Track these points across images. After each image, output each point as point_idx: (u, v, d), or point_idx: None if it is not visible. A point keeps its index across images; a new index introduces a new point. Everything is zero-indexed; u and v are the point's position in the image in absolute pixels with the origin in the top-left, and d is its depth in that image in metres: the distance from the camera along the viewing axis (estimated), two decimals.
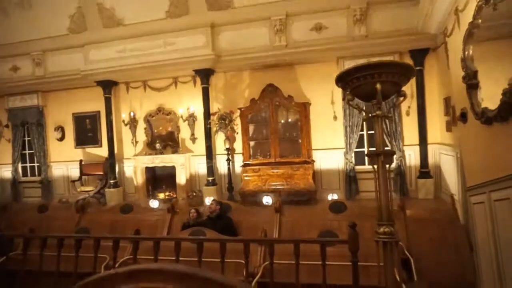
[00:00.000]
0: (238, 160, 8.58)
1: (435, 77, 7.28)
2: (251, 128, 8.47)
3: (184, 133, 9.11)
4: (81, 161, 9.75)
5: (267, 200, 7.09)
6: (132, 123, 9.38)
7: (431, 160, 7.47)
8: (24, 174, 10.63)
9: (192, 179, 9.05)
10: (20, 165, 10.55)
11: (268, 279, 3.20)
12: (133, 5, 8.29)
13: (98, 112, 9.73)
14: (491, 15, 3.49)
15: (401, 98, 3.02)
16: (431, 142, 7.44)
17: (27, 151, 10.55)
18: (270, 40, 7.75)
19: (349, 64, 6.76)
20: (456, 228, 4.11)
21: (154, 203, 7.57)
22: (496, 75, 3.40)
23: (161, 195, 9.02)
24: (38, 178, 10.23)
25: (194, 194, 8.43)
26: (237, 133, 8.43)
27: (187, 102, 9.00)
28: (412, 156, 7.71)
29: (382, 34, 7.07)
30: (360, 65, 2.95)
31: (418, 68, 7.28)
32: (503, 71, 3.23)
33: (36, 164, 10.41)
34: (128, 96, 9.51)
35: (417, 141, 7.53)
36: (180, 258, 3.29)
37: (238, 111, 8.31)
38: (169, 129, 9.27)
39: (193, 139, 9.06)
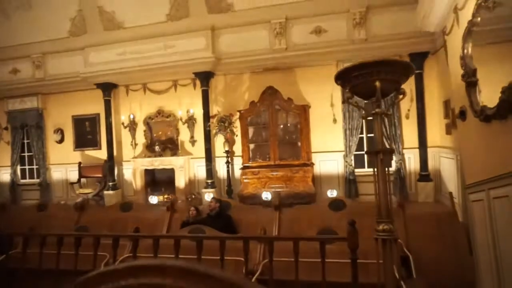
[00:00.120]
0: (238, 163, 8.56)
1: (434, 80, 7.30)
2: (250, 130, 8.47)
3: (184, 135, 9.10)
4: (80, 163, 9.73)
5: (266, 196, 7.08)
6: (132, 125, 9.38)
7: (431, 163, 7.46)
8: (23, 176, 10.60)
9: (191, 182, 9.03)
10: (19, 167, 10.53)
11: (267, 276, 3.19)
12: (133, 8, 8.33)
13: (98, 114, 9.73)
14: (491, 19, 3.51)
15: (400, 96, 3.04)
16: (431, 145, 7.44)
17: (26, 154, 10.52)
18: (270, 43, 7.78)
19: None
20: (455, 225, 4.09)
21: (153, 199, 7.58)
22: (496, 80, 3.40)
23: (160, 198, 8.98)
24: (37, 181, 10.20)
25: (193, 196, 8.40)
26: (237, 136, 8.43)
27: (186, 104, 9.01)
28: (412, 159, 7.70)
29: (382, 38, 7.10)
30: (359, 63, 2.96)
31: (417, 71, 7.30)
32: (503, 74, 3.24)
33: (35, 167, 10.38)
34: (127, 99, 9.52)
35: (416, 144, 7.52)
36: (180, 256, 3.29)
37: (238, 113, 8.31)
38: (169, 131, 9.26)
39: (193, 141, 9.05)
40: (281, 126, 8.31)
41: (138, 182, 9.15)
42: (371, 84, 2.72)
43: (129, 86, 9.44)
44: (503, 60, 3.42)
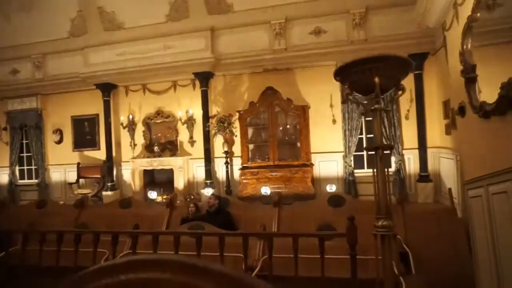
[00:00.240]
0: (237, 164, 8.55)
1: (434, 81, 7.31)
2: (250, 131, 8.47)
3: (183, 136, 9.09)
4: (78, 163, 9.71)
5: (265, 191, 7.08)
6: (131, 126, 9.38)
7: (430, 164, 7.45)
8: (21, 177, 10.58)
9: (190, 183, 9.00)
10: (17, 168, 10.50)
11: (267, 272, 3.18)
12: (134, 9, 8.34)
13: (97, 115, 9.72)
14: (492, 20, 3.52)
15: (400, 92, 3.03)
16: (430, 146, 7.43)
17: (24, 154, 10.50)
18: (270, 43, 7.79)
19: None
20: (454, 222, 4.08)
21: (152, 194, 7.58)
22: (496, 81, 3.40)
23: (159, 198, 8.95)
24: (35, 181, 10.17)
25: (192, 197, 8.37)
26: (236, 136, 8.42)
27: (186, 105, 9.01)
28: (411, 160, 7.69)
29: (381, 38, 7.11)
30: (358, 59, 2.96)
31: (417, 72, 7.33)
32: (505, 74, 3.24)
33: (33, 167, 10.36)
34: (127, 99, 9.52)
35: (416, 145, 7.52)
36: (179, 252, 3.30)
37: (237, 114, 8.31)
38: (168, 132, 9.25)
39: (192, 142, 9.04)
40: (281, 126, 8.31)
41: (137, 183, 9.13)
42: (370, 80, 2.72)
43: (129, 87, 9.45)
44: (503, 61, 3.43)
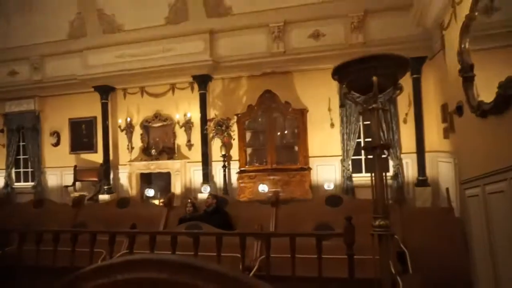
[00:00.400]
0: (235, 167, 8.51)
1: (432, 85, 7.31)
2: (248, 134, 8.45)
3: (181, 139, 9.06)
4: (75, 166, 9.65)
5: (263, 188, 7.04)
6: (129, 129, 9.34)
7: (428, 168, 7.43)
8: (18, 179, 10.51)
9: (187, 186, 8.95)
10: (13, 170, 10.44)
11: (264, 272, 3.15)
12: (133, 11, 8.36)
13: (95, 117, 9.69)
14: (490, 24, 3.53)
15: (398, 91, 3.02)
16: (428, 150, 7.41)
17: (21, 156, 10.45)
18: (268, 46, 7.80)
19: None
20: (452, 221, 4.06)
21: (149, 192, 7.54)
22: (494, 83, 3.40)
23: (156, 202, 8.88)
24: (31, 184, 10.11)
25: (189, 201, 8.30)
26: (234, 139, 8.38)
27: (184, 108, 8.99)
28: (409, 164, 7.66)
29: (380, 42, 7.12)
30: (356, 58, 2.95)
31: (415, 76, 7.35)
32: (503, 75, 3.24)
33: (30, 170, 10.30)
34: (125, 102, 9.50)
35: (414, 149, 7.50)
36: (177, 252, 3.30)
37: (235, 117, 8.29)
38: (166, 135, 9.21)
39: (189, 145, 9.00)
40: (279, 130, 8.28)
41: (133, 186, 9.06)
42: (368, 79, 2.71)
43: (127, 89, 9.43)
44: (500, 64, 3.43)
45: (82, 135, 9.87)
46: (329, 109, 8.04)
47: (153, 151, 9.00)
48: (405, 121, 7.63)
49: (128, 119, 9.32)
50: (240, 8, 7.80)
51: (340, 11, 7.29)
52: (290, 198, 7.53)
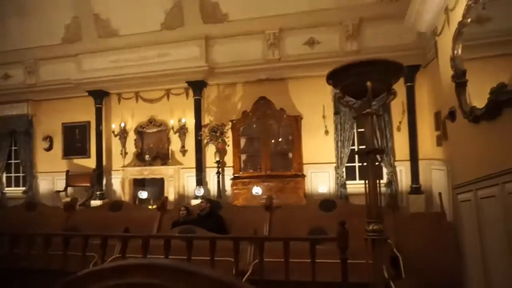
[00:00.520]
0: (229, 174, 8.47)
1: (426, 93, 7.37)
2: (242, 141, 8.43)
3: (175, 145, 9.02)
4: (67, 171, 9.55)
5: (256, 190, 7.01)
6: (122, 134, 9.28)
7: (422, 175, 7.45)
8: (8, 184, 10.36)
9: (180, 192, 8.89)
10: (4, 175, 10.30)
11: (258, 276, 3.12)
12: (129, 16, 8.37)
13: (88, 122, 9.62)
14: (482, 33, 3.59)
15: (391, 96, 3.04)
16: (422, 158, 7.44)
17: (13, 161, 10.32)
18: (264, 53, 7.83)
19: None
20: (444, 225, 4.07)
21: (143, 194, 7.47)
22: (486, 89, 3.43)
23: (149, 208, 8.80)
24: (22, 189, 9.98)
25: (182, 209, 8.24)
26: (228, 146, 8.35)
27: (178, 114, 8.97)
28: (403, 172, 7.69)
29: (374, 50, 7.17)
30: (351, 63, 2.97)
31: (409, 84, 7.42)
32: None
33: (21, 175, 10.17)
34: (119, 107, 9.46)
35: (408, 157, 7.53)
36: (170, 257, 3.27)
37: (230, 123, 8.28)
38: (160, 141, 9.17)
39: (183, 151, 8.96)
40: (273, 136, 8.29)
41: (126, 192, 8.98)
42: (363, 84, 2.72)
43: (121, 94, 9.40)
44: (492, 73, 3.47)
45: (75, 140, 9.78)
46: (324, 116, 8.06)
47: (146, 157, 8.94)
48: (398, 129, 7.67)
49: (122, 124, 9.26)
50: (236, 15, 7.84)
51: (335, 19, 7.36)
52: (284, 205, 7.51)
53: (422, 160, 7.45)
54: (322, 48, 7.50)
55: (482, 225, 3.26)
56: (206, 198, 5.54)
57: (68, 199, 9.12)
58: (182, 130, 8.90)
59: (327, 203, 4.35)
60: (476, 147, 3.47)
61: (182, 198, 8.84)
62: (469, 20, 3.24)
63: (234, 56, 7.97)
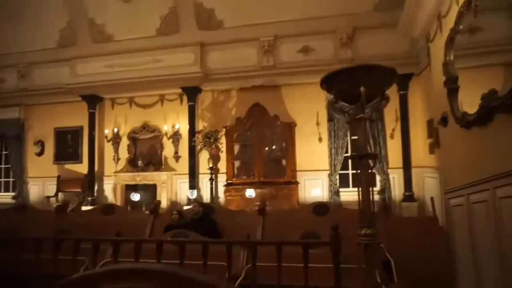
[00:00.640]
0: (222, 180, 8.43)
1: (419, 101, 7.44)
2: (236, 147, 8.42)
3: (168, 151, 8.97)
4: (59, 176, 9.43)
5: (250, 193, 6.98)
6: (115, 139, 9.22)
7: (415, 183, 7.48)
8: None
9: (173, 198, 8.82)
10: None
11: (250, 281, 3.09)
12: (124, 22, 8.37)
13: (81, 127, 9.54)
14: (474, 43, 3.65)
15: (384, 102, 3.06)
16: (415, 166, 7.47)
17: (3, 166, 10.19)
18: (258, 60, 7.88)
19: None
20: (436, 230, 4.08)
21: (135, 196, 7.39)
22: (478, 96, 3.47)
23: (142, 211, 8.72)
24: (11, 194, 9.83)
25: (175, 213, 8.16)
26: (222, 152, 8.33)
27: (172, 119, 8.94)
28: (396, 179, 7.71)
29: (368, 58, 7.23)
30: (344, 68, 3.00)
31: (402, 92, 7.48)
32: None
33: (11, 180, 10.03)
34: (113, 112, 9.41)
35: (401, 164, 7.56)
36: (162, 261, 3.24)
37: (224, 129, 8.27)
38: (153, 146, 9.12)
39: (177, 157, 8.91)
40: (267, 143, 8.28)
41: (118, 198, 8.89)
42: (356, 89, 2.74)
43: (115, 100, 9.36)
44: (484, 82, 3.52)
45: (67, 145, 9.69)
46: (317, 123, 8.09)
47: (139, 163, 8.88)
48: (392, 137, 7.71)
49: (115, 130, 9.21)
50: (231, 22, 7.89)
51: (329, 27, 7.43)
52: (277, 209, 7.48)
53: (415, 168, 7.48)
54: (316, 56, 7.57)
55: (473, 230, 3.28)
56: (198, 202, 5.49)
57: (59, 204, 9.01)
58: (175, 136, 8.86)
59: (320, 207, 4.34)
60: (467, 152, 3.50)
61: (174, 204, 8.76)
62: (461, 26, 3.29)
63: (229, 63, 8.00)
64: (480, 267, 3.14)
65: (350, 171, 7.93)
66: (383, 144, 7.66)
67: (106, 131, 9.28)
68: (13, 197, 9.70)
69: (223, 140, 8.27)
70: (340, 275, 2.76)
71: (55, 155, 9.74)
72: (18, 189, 9.71)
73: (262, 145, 8.18)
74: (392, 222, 4.19)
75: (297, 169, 8.07)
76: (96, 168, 9.17)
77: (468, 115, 3.23)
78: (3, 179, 10.21)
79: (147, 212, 8.69)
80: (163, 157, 8.98)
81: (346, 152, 7.93)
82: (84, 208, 8.88)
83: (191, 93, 8.48)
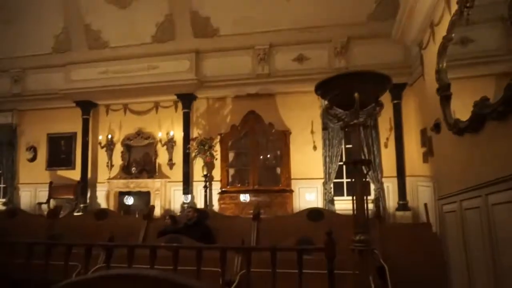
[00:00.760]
0: (216, 188, 8.40)
1: (412, 110, 7.51)
2: (230, 155, 8.41)
3: (162, 158, 8.93)
4: (51, 183, 9.33)
5: (244, 198, 6.95)
6: (109, 146, 9.16)
7: (409, 192, 7.51)
8: None
9: (166, 206, 8.75)
10: None
11: (244, 287, 3.06)
12: (120, 28, 8.39)
13: (75, 133, 9.48)
14: (465, 53, 3.72)
15: (378, 108, 3.09)
16: (409, 174, 7.51)
17: None
18: (253, 68, 7.92)
19: None
20: (429, 236, 4.09)
21: (129, 200, 7.32)
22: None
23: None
24: (2, 200, 9.69)
25: (167, 217, 8.10)
26: (216, 159, 8.31)
27: (167, 126, 8.93)
28: (390, 188, 7.73)
29: (362, 67, 7.26)
30: (339, 74, 3.04)
31: (396, 101, 7.55)
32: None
33: (2, 186, 9.90)
34: (107, 119, 9.37)
35: (395, 173, 7.59)
36: (156, 266, 3.18)
37: (219, 137, 8.27)
38: (147, 153, 9.08)
39: (171, 164, 8.87)
40: (262, 151, 8.28)
41: (111, 205, 8.80)
42: (351, 95, 2.77)
43: (110, 106, 9.33)
44: (475, 91, 3.58)
45: (60, 151, 9.61)
46: (312, 132, 8.12)
47: (133, 169, 8.82)
48: (386, 145, 7.76)
49: (109, 136, 9.16)
50: (227, 30, 7.94)
51: (324, 36, 7.51)
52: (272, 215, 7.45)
53: (409, 177, 7.52)
54: (311, 64, 7.63)
55: (466, 236, 3.29)
56: (193, 207, 5.45)
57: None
58: (170, 143, 8.83)
59: (314, 212, 4.34)
60: (460, 159, 3.53)
61: (168, 212, 8.68)
62: (453, 34, 3.35)
63: (224, 70, 8.04)
64: (473, 272, 3.15)
65: (345, 180, 7.95)
66: (377, 153, 7.70)
67: (100, 137, 9.22)
68: (4, 204, 9.56)
69: (217, 147, 8.26)
70: (335, 281, 2.75)
71: (47, 161, 9.65)
72: (8, 195, 9.58)
73: (257, 153, 8.18)
74: (386, 228, 4.20)
75: (292, 177, 8.07)
76: (89, 175, 9.09)
77: (460, 122, 3.27)
78: None
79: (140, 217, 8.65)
80: (157, 164, 8.93)
81: (341, 160, 7.94)
82: (76, 215, 8.78)
83: (186, 100, 8.49)
